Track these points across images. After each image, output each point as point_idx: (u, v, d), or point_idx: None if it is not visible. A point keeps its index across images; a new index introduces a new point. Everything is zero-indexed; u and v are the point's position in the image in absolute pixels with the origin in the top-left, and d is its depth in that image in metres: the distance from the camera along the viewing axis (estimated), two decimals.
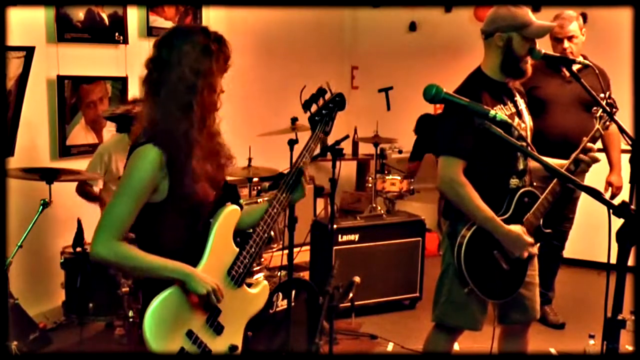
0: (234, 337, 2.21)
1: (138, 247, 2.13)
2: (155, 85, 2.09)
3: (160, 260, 2.05)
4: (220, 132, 2.23)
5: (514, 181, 2.71)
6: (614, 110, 2.82)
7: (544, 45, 2.76)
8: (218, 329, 2.15)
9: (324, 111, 2.45)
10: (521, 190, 2.70)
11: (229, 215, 2.22)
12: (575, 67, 3.55)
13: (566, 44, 3.98)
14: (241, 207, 2.29)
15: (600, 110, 2.83)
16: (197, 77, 2.07)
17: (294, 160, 2.40)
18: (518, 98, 2.79)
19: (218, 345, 2.15)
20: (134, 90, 4.74)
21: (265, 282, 2.36)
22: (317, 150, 2.53)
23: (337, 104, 2.47)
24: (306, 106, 2.48)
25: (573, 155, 2.72)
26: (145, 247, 2.13)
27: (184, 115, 2.06)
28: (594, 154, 2.72)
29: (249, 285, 2.31)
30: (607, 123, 2.83)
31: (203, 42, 2.10)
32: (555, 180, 2.73)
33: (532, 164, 2.78)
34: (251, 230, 2.26)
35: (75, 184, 3.98)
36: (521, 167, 2.73)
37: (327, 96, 2.47)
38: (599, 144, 2.86)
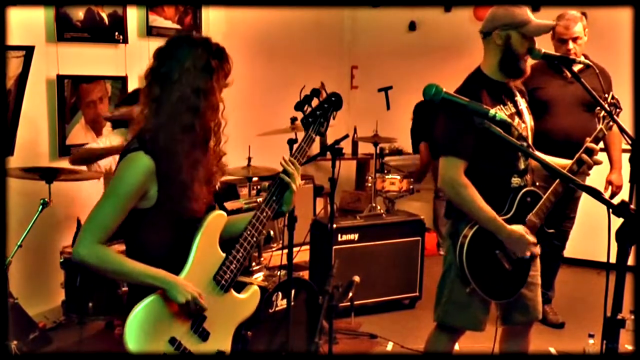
0: (221, 343, 2.19)
1: (126, 251, 2.14)
2: (156, 101, 2.08)
3: (142, 267, 2.05)
4: (223, 154, 2.22)
5: (515, 180, 2.70)
6: (618, 110, 2.82)
7: (545, 46, 2.75)
8: (203, 335, 2.13)
9: (317, 112, 2.40)
10: (523, 190, 2.70)
11: (214, 221, 2.20)
12: (576, 68, 3.56)
13: (570, 45, 3.94)
14: (227, 212, 2.26)
15: (602, 111, 2.83)
16: (199, 98, 2.06)
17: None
18: (518, 97, 2.78)
19: (204, 351, 2.13)
20: None
21: (256, 287, 2.32)
22: (317, 151, 2.49)
23: (333, 104, 2.41)
24: (298, 107, 2.43)
25: (576, 156, 2.73)
26: (132, 251, 2.14)
27: (186, 136, 2.06)
28: (596, 157, 2.73)
29: (240, 289, 2.28)
30: (610, 123, 2.83)
31: (204, 58, 2.08)
32: (557, 180, 2.72)
33: (535, 163, 2.78)
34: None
35: (74, 183, 3.98)
36: (522, 166, 2.73)
37: (322, 96, 2.43)
38: (600, 144, 2.87)
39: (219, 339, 2.18)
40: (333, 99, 2.41)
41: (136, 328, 1.99)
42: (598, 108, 2.85)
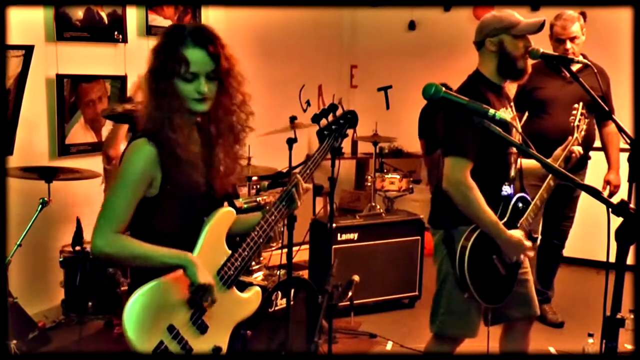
0: (219, 339, 2.18)
1: None
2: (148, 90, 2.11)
3: (162, 248, 2.06)
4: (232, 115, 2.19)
5: (505, 188, 2.72)
6: (587, 119, 2.92)
7: (543, 46, 2.76)
8: (202, 328, 2.13)
9: (333, 126, 2.42)
10: (517, 196, 2.73)
11: (223, 216, 2.21)
12: (575, 67, 3.57)
13: (568, 44, 3.95)
14: (237, 210, 2.27)
15: (577, 119, 2.90)
16: (180, 65, 2.04)
17: (293, 161, 2.38)
18: (512, 103, 2.82)
19: (201, 344, 2.13)
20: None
21: (258, 288, 2.32)
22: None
23: (349, 121, 2.44)
24: (315, 120, 2.45)
25: (563, 154, 2.80)
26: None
27: (162, 101, 2.05)
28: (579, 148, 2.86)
29: (243, 289, 2.27)
30: (584, 133, 2.93)
31: (179, 34, 2.08)
32: (543, 187, 2.79)
33: (527, 165, 2.79)
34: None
35: (74, 183, 3.98)
36: (513, 174, 2.75)
37: (339, 112, 2.44)
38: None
39: (217, 334, 2.17)
40: (349, 116, 2.44)
41: (136, 312, 1.99)
42: (571, 118, 2.91)
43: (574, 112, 2.94)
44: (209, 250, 2.16)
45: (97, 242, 2.02)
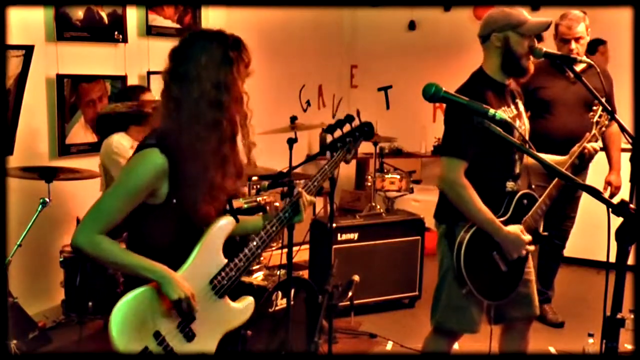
0: (206, 347, 2.16)
1: (127, 241, 2.14)
2: (175, 101, 2.05)
3: (139, 259, 2.04)
4: (252, 146, 2.19)
5: (510, 184, 2.72)
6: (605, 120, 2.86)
7: (547, 46, 2.75)
8: (189, 336, 2.11)
9: (347, 138, 2.38)
10: (520, 192, 2.72)
11: (221, 226, 2.19)
12: (579, 67, 3.56)
13: (573, 45, 3.93)
14: (237, 219, 2.25)
15: (597, 115, 2.85)
16: (221, 92, 2.03)
17: (293, 161, 2.37)
18: (518, 100, 2.80)
19: (186, 352, 2.11)
20: None
21: (251, 299, 2.30)
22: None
23: (365, 134, 2.41)
24: (329, 130, 2.41)
25: (577, 151, 2.75)
26: (133, 241, 2.14)
27: (213, 133, 2.03)
28: (595, 145, 2.79)
29: (236, 297, 2.26)
30: (604, 129, 2.86)
31: (221, 51, 2.05)
32: (552, 184, 2.76)
33: (533, 163, 2.79)
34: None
35: (74, 183, 3.97)
36: (517, 170, 2.75)
37: (355, 123, 2.40)
38: (599, 143, 2.88)
39: (204, 342, 2.15)
40: (366, 129, 2.41)
41: (122, 316, 1.99)
42: (591, 113, 2.87)
43: (595, 107, 2.86)
44: (204, 259, 2.15)
45: (79, 239, 2.01)
